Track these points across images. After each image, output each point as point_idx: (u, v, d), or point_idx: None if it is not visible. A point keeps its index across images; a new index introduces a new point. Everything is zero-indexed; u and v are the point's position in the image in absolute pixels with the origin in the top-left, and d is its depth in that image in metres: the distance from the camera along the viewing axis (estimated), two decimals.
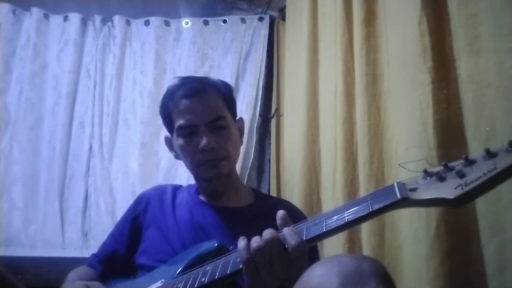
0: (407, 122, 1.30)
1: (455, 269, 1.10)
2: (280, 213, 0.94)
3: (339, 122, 1.64)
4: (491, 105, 1.03)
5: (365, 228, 1.42)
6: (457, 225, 1.12)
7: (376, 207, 0.76)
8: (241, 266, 0.90)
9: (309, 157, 1.94)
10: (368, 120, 1.47)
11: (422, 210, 1.18)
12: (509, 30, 0.98)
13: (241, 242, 0.91)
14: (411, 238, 1.25)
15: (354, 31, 1.60)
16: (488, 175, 0.62)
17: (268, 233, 0.88)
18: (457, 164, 0.70)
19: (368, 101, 1.48)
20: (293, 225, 0.92)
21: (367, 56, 1.51)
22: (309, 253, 0.88)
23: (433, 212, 1.13)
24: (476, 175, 0.64)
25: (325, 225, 0.84)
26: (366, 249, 1.41)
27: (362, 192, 1.48)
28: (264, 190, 2.73)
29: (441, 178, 0.69)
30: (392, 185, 0.76)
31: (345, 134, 1.61)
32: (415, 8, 1.25)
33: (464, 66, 1.10)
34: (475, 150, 1.04)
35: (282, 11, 2.93)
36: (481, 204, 1.03)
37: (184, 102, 1.30)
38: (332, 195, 1.72)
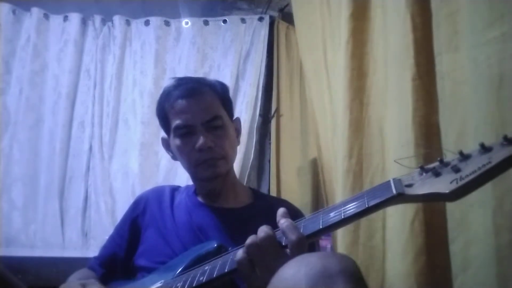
0: (391, 119, 1.30)
1: (430, 267, 1.10)
2: (281, 210, 0.94)
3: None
4: (464, 102, 1.03)
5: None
6: (432, 224, 1.12)
7: (372, 203, 0.76)
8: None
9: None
10: (350, 114, 1.46)
11: (397, 209, 1.18)
12: (484, 25, 0.98)
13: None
14: (387, 236, 1.25)
15: (342, 25, 1.59)
16: (483, 169, 0.62)
17: (262, 231, 0.88)
18: (453, 159, 0.70)
19: (351, 95, 1.47)
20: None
21: (353, 50, 1.50)
22: (308, 249, 0.87)
23: (408, 210, 1.13)
24: (471, 169, 0.64)
25: (322, 221, 0.84)
26: (340, 247, 1.40)
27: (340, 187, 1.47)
28: (264, 190, 2.73)
29: (436, 173, 0.70)
30: (388, 181, 0.76)
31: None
32: (400, 4, 1.25)
33: (443, 62, 1.10)
34: (448, 148, 1.03)
35: (282, 11, 2.93)
36: (449, 202, 1.03)
37: (180, 103, 1.30)
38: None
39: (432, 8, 1.16)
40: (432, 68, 1.14)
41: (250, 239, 0.88)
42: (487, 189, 0.91)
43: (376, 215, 1.32)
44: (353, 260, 0.74)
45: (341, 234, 1.40)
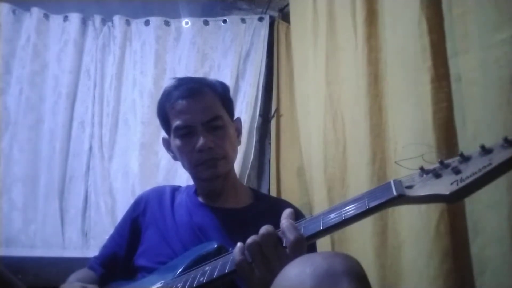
0: (408, 122, 1.30)
1: (455, 269, 1.10)
2: (287, 211, 0.94)
3: (363, 123, 1.63)
4: (477, 103, 1.03)
5: (367, 229, 1.40)
6: (456, 225, 1.12)
7: (372, 204, 0.76)
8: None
9: (334, 158, 1.88)
10: (370, 120, 1.46)
11: (422, 211, 1.18)
12: (493, 28, 0.98)
13: (238, 244, 0.91)
14: (412, 238, 1.25)
15: (357, 31, 1.59)
16: (483, 171, 0.62)
17: (264, 228, 0.88)
18: (453, 161, 0.70)
19: (370, 101, 1.48)
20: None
21: (369, 56, 1.50)
22: (308, 251, 0.87)
23: (433, 212, 1.13)
24: (471, 171, 0.64)
25: (323, 222, 0.84)
26: (369, 249, 1.39)
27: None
28: (264, 190, 2.73)
29: (437, 175, 0.70)
30: (389, 183, 0.77)
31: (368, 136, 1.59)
32: (414, 8, 1.25)
33: (455, 64, 1.11)
34: (464, 149, 1.05)
35: (282, 11, 2.93)
36: (466, 204, 1.03)
37: (180, 103, 1.30)
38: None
39: (443, 10, 1.17)
40: (448, 70, 1.15)
41: (250, 239, 0.88)
42: (502, 191, 0.91)
43: (400, 218, 1.32)
44: (357, 260, 0.75)
45: (369, 236, 1.39)
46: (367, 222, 1.39)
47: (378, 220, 1.37)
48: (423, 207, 1.17)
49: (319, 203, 1.89)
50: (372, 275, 1.34)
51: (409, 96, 1.30)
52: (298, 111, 2.33)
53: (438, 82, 1.19)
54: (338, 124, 1.83)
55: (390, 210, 1.34)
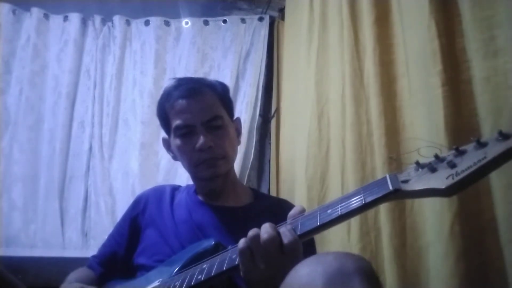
0: (421, 124, 1.30)
1: (471, 269, 1.09)
2: (298, 207, 0.96)
3: (348, 124, 1.63)
4: (509, 107, 1.02)
5: (385, 231, 1.40)
6: (471, 225, 1.11)
7: (369, 199, 0.76)
8: (237, 262, 0.91)
9: (316, 157, 1.90)
10: (385, 120, 1.46)
11: (436, 210, 1.18)
12: None
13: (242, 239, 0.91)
14: (432, 239, 1.25)
15: (366, 32, 1.59)
16: (478, 164, 0.62)
17: (266, 232, 0.88)
18: (448, 154, 0.70)
19: (384, 101, 1.47)
20: (290, 220, 0.93)
21: (381, 57, 1.50)
22: (305, 247, 0.88)
23: (447, 212, 1.13)
24: (466, 164, 0.64)
25: (319, 218, 0.84)
26: (387, 250, 1.39)
27: None
28: (264, 190, 2.73)
29: (432, 169, 0.70)
30: (385, 177, 0.77)
31: (354, 136, 1.60)
32: (423, 12, 1.25)
33: (479, 67, 1.09)
34: None
35: (282, 11, 2.93)
36: (505, 203, 1.02)
37: (180, 103, 1.31)
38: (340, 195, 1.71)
39: (461, 13, 1.15)
40: (462, 73, 1.14)
41: (253, 232, 0.89)
42: None
43: (419, 217, 1.32)
44: (368, 260, 0.75)
45: (387, 237, 1.38)
46: (384, 222, 1.38)
47: (397, 220, 1.36)
48: (437, 207, 1.17)
49: (299, 202, 1.89)
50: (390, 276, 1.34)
51: (422, 98, 1.30)
52: (282, 108, 2.33)
53: (450, 85, 1.18)
54: (323, 123, 1.83)
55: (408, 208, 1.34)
